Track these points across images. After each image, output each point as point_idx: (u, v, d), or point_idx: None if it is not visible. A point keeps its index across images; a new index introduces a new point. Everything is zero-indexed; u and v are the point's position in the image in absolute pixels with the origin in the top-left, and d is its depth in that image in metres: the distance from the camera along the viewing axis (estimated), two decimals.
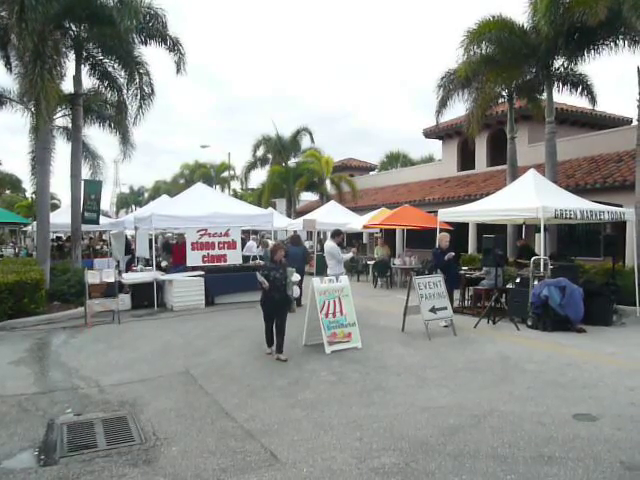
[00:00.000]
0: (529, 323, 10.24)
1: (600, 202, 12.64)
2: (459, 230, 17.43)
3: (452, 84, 16.14)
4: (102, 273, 11.55)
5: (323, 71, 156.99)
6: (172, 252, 15.99)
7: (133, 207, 68.25)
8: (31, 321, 10.88)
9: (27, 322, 10.81)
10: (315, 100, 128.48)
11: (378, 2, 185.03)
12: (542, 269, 10.74)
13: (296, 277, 8.28)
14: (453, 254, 10.89)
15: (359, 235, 25.77)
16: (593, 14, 11.64)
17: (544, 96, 15.35)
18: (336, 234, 10.62)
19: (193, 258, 13.93)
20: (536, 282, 10.34)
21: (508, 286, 11.42)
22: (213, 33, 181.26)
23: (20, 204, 46.24)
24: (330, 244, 10.38)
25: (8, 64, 14.38)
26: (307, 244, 21.59)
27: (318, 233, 22.33)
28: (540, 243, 11.84)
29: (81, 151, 16.07)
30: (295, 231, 18.91)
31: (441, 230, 13.07)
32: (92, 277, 11.22)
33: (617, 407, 5.64)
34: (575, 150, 18.37)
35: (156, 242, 15.81)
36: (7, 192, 51.58)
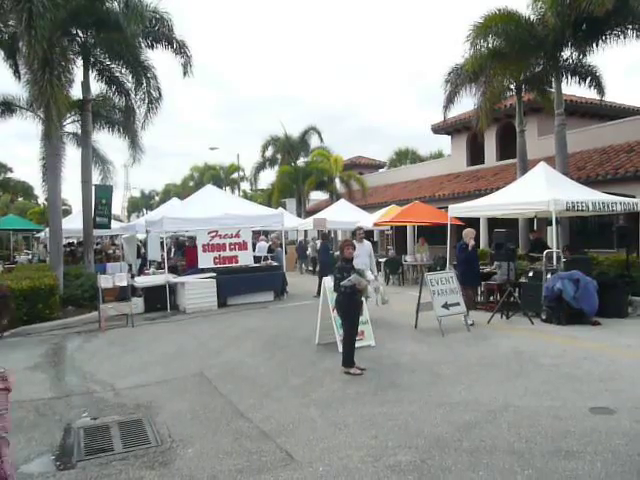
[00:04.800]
0: (543, 317, 10.18)
1: (612, 193, 12.52)
2: (470, 225, 17.28)
3: (459, 79, 16.01)
4: (115, 277, 11.64)
5: (328, 69, 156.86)
6: (185, 254, 16.06)
7: (144, 211, 68.70)
8: (46, 326, 10.98)
9: (42, 327, 10.91)
10: (321, 99, 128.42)
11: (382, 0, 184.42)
12: (555, 262, 10.67)
13: (370, 275, 7.67)
14: (474, 243, 10.83)
15: (370, 233, 25.72)
16: (600, 4, 11.53)
17: (553, 88, 15.21)
18: (353, 232, 10.85)
19: (205, 260, 14.00)
20: (549, 275, 10.27)
21: (521, 280, 11.35)
22: (214, 33, 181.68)
23: (32, 210, 46.65)
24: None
25: (17, 72, 14.53)
26: (318, 243, 21.61)
27: (329, 232, 22.31)
28: (552, 236, 11.74)
29: (91, 156, 16.20)
30: (329, 231, 20.12)
31: (452, 226, 13.05)
32: (105, 281, 11.30)
33: (635, 400, 5.58)
34: (585, 141, 18.19)
35: (168, 245, 15.91)
36: (19, 199, 52.06)
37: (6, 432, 1.58)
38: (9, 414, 1.45)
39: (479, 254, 16.66)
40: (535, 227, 14.98)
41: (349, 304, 7.18)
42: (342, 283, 7.04)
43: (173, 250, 18.70)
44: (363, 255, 10.42)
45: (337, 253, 18.70)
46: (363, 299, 7.63)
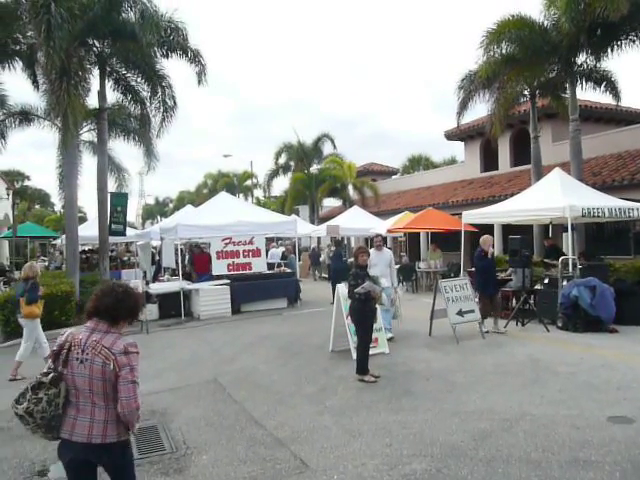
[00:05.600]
0: (559, 324, 10.07)
1: (629, 199, 12.37)
2: (484, 232, 17.22)
3: (473, 85, 15.97)
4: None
5: (340, 76, 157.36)
6: (193, 262, 16.12)
7: (159, 218, 69.15)
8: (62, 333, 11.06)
9: (58, 334, 10.95)
10: (334, 105, 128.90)
11: (396, 5, 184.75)
12: (571, 269, 10.56)
13: (385, 282, 7.57)
14: (493, 250, 10.45)
15: (383, 240, 25.64)
16: (615, 9, 11.43)
17: (567, 94, 15.12)
18: (372, 239, 10.52)
19: (218, 267, 14.06)
20: (565, 282, 10.16)
21: (536, 287, 11.24)
22: (227, 42, 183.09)
23: (49, 218, 47.30)
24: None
25: (35, 82, 14.75)
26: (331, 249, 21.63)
27: (342, 238, 22.32)
28: (568, 243, 11.63)
29: (107, 164, 16.35)
30: (342, 238, 21.00)
31: (466, 232, 12.95)
32: None
33: None
34: (601, 147, 18.03)
35: (182, 252, 16.01)
36: (37, 207, 52.78)
37: (138, 379, 2.89)
38: (139, 367, 2.91)
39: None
40: (550, 233, 14.85)
41: (363, 311, 7.15)
42: (356, 290, 7.02)
43: (188, 257, 18.82)
44: (382, 264, 9.45)
45: (350, 260, 18.68)
46: (377, 306, 7.60)
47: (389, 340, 8.96)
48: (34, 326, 8.32)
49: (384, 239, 14.92)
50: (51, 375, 2.87)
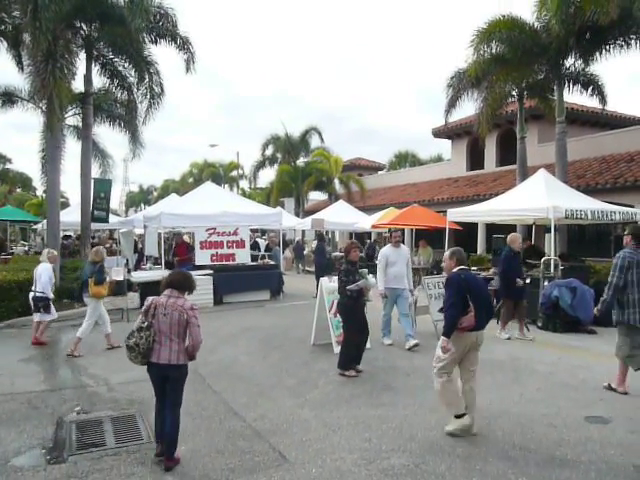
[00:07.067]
0: (539, 324, 10.17)
1: (611, 202, 12.54)
2: (468, 230, 17.33)
3: (461, 84, 16.02)
4: (111, 271, 11.57)
5: (328, 69, 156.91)
6: (174, 253, 15.95)
7: (142, 206, 68.50)
8: None
9: (32, 320, 10.83)
10: (320, 98, 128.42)
11: (384, 0, 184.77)
12: (552, 270, 10.66)
13: (372, 280, 7.37)
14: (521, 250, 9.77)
15: (368, 235, 25.72)
16: (604, 13, 11.54)
17: (554, 96, 15.23)
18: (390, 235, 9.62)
19: (202, 257, 13.96)
20: (546, 283, 10.26)
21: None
22: (214, 31, 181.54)
23: (30, 202, 46.47)
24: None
25: (20, 63, 14.45)
26: (313, 244, 21.61)
27: (326, 232, 22.32)
28: (550, 243, 11.73)
29: (91, 150, 16.13)
30: (326, 232, 21.28)
31: (450, 230, 12.98)
32: None
33: (629, 410, 5.58)
34: (585, 150, 18.22)
35: (166, 241, 15.84)
36: (18, 190, 51.91)
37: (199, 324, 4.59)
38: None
39: (476, 260, 16.69)
40: (533, 234, 14.99)
41: (353, 308, 7.09)
42: (349, 287, 6.93)
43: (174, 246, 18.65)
44: (401, 262, 8.66)
45: (335, 254, 18.64)
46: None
47: (415, 346, 8.38)
48: (98, 305, 8.66)
49: (365, 234, 14.37)
50: (146, 323, 4.49)
